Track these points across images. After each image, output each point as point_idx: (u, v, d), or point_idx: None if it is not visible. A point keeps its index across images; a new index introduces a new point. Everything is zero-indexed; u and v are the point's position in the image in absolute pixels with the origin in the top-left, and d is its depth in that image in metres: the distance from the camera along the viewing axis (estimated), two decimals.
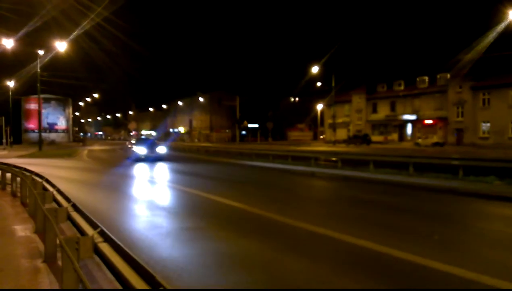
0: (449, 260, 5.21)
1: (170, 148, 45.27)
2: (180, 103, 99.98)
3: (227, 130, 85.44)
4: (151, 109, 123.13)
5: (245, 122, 64.23)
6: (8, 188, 12.72)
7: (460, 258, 5.48)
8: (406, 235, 6.88)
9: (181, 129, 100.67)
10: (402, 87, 54.34)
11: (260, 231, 7.28)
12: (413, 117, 51.58)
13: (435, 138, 43.83)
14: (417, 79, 52.00)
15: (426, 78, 51.09)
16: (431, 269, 4.98)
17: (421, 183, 13.23)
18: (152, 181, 15.84)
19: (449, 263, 5.08)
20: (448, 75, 46.76)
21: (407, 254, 5.50)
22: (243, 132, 77.03)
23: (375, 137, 54.04)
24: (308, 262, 5.44)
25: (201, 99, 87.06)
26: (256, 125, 74.44)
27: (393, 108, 54.84)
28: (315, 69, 48.26)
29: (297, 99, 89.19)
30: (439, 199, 11.08)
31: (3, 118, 47.59)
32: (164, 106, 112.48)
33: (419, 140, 45.15)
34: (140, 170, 20.05)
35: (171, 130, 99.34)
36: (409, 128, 53.18)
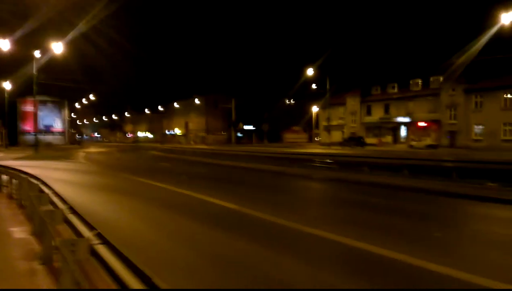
0: (444, 261, 5.27)
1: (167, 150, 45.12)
2: (176, 105, 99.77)
3: (223, 133, 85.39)
4: (147, 111, 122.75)
5: (241, 124, 64.25)
6: (5, 190, 12.69)
7: (454, 259, 5.56)
8: (401, 236, 6.96)
9: (177, 131, 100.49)
10: (396, 90, 54.62)
11: (254, 232, 7.33)
12: (406, 119, 51.86)
13: (428, 141, 44.07)
14: (411, 82, 52.30)
15: (420, 81, 51.39)
16: (426, 270, 5.05)
17: (416, 185, 13.28)
18: (147, 183, 15.83)
19: (444, 264, 5.14)
20: (441, 78, 47.05)
21: (403, 255, 5.56)
22: (239, 134, 76.99)
23: (369, 140, 54.18)
24: (305, 263, 5.50)
25: (197, 101, 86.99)
26: (252, 128, 74.40)
27: (387, 110, 55.10)
28: (310, 72, 48.36)
29: (292, 101, 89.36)
30: (434, 201, 11.13)
31: (0, 120, 47.31)
32: (160, 108, 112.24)
33: (413, 143, 45.38)
34: (133, 172, 20.02)
35: (167, 132, 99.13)
36: (403, 131, 53.44)
